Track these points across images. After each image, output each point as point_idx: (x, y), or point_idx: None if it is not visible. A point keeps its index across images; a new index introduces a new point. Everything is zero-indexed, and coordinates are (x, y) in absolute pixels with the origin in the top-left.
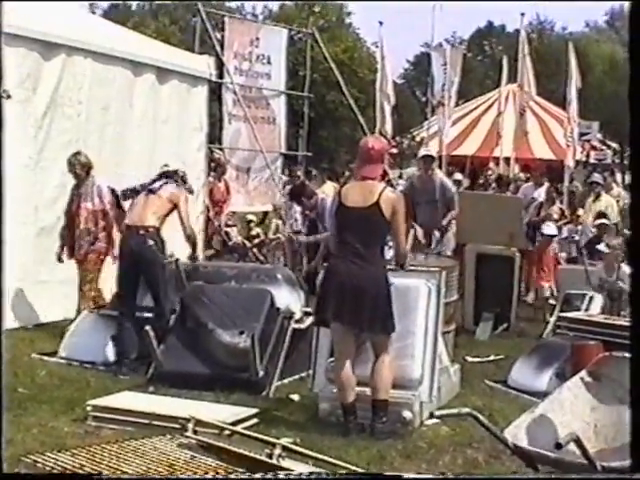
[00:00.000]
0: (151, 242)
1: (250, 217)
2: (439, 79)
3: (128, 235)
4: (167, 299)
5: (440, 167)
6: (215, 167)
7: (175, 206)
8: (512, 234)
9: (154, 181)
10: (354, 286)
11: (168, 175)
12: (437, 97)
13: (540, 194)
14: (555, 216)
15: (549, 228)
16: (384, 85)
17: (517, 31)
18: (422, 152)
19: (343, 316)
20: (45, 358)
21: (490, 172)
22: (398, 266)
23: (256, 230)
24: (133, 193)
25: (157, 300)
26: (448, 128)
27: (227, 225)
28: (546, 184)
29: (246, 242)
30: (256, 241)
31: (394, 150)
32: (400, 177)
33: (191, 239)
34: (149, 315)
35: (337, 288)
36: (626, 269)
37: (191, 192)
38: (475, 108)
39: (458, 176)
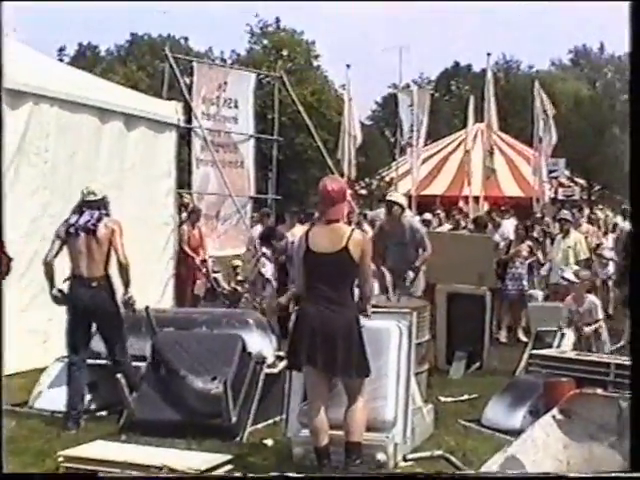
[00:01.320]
0: (104, 294)
1: (236, 262)
2: (407, 120)
3: (78, 286)
4: (125, 348)
5: (410, 207)
6: (189, 213)
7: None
8: (482, 273)
9: (88, 215)
10: (326, 330)
11: (97, 206)
12: (405, 138)
13: (505, 232)
14: (524, 253)
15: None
16: (350, 127)
17: (484, 71)
18: (387, 197)
19: (316, 360)
20: (16, 409)
21: (458, 211)
22: (362, 310)
23: (244, 275)
24: (68, 235)
25: (113, 350)
26: (418, 169)
27: (213, 271)
28: (513, 221)
29: (238, 288)
30: (247, 286)
31: (363, 191)
32: (365, 217)
33: (124, 270)
34: (105, 363)
35: (309, 332)
36: (593, 298)
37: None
38: (443, 148)
39: (427, 216)
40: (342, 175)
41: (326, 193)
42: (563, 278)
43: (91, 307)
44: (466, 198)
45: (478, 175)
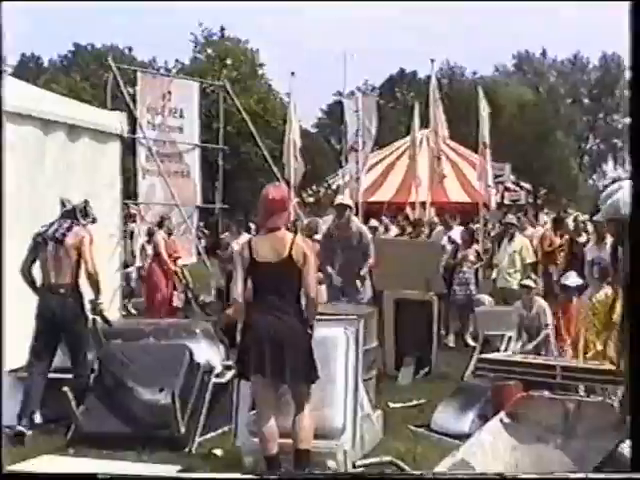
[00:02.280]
0: (71, 302)
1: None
2: (353, 125)
3: (45, 294)
4: (86, 359)
5: (357, 214)
6: (160, 222)
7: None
8: (428, 279)
9: (58, 224)
10: (273, 338)
11: (69, 215)
12: (350, 142)
13: (454, 237)
14: (472, 258)
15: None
16: (292, 133)
17: (428, 77)
18: (337, 200)
19: (264, 369)
20: None
21: (404, 217)
22: (308, 317)
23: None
24: (37, 244)
25: (76, 361)
26: (364, 174)
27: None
28: (457, 227)
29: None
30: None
31: (310, 199)
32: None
33: (92, 280)
34: (67, 376)
35: (256, 341)
36: (541, 302)
37: (94, 221)
38: (389, 154)
39: (374, 222)
40: (288, 184)
41: (267, 201)
42: (523, 286)
43: (58, 315)
44: (413, 204)
45: (425, 181)
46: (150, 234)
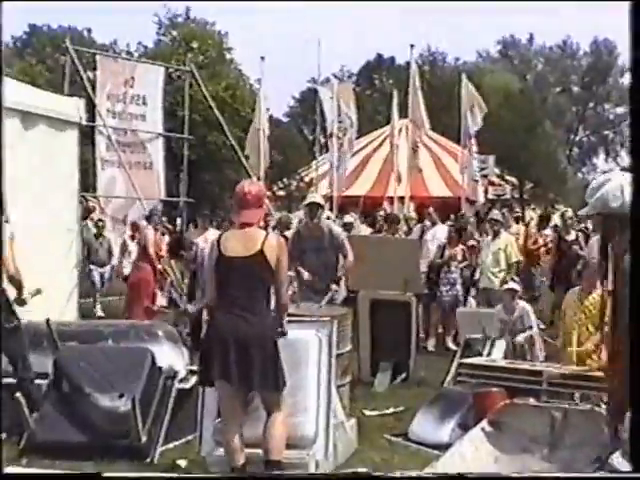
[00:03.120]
0: None
1: None
2: (330, 112)
3: None
4: (28, 364)
5: (331, 209)
6: (148, 216)
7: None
8: (407, 279)
9: None
10: (240, 341)
11: None
12: (329, 129)
13: (436, 234)
14: (459, 257)
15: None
16: (261, 122)
17: (408, 63)
18: (308, 199)
19: (230, 374)
20: None
21: (382, 212)
22: (278, 318)
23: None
24: None
25: (16, 367)
26: (346, 163)
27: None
28: (441, 225)
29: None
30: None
31: (281, 192)
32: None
33: (14, 280)
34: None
35: (221, 344)
36: (524, 305)
37: (6, 221)
38: (366, 145)
39: (349, 218)
40: (258, 178)
41: (242, 196)
42: (509, 290)
43: None
44: (391, 199)
45: (404, 174)
46: (135, 228)
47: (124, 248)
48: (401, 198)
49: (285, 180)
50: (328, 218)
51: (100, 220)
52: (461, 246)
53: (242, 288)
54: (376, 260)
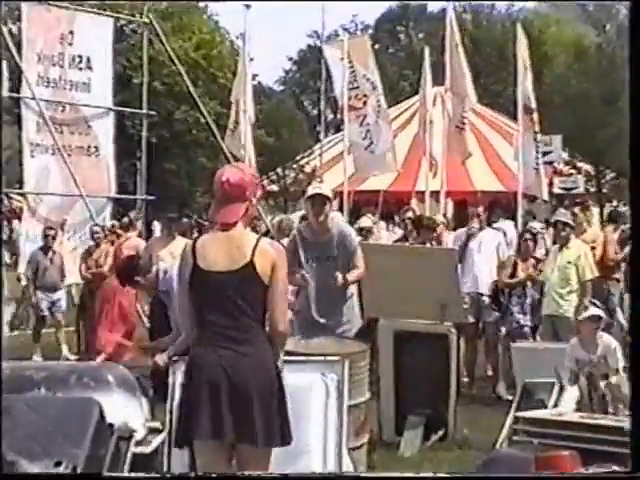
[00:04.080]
0: None
1: None
2: (340, 78)
3: None
4: None
5: (341, 209)
6: (130, 222)
7: None
8: (444, 303)
9: None
10: (233, 382)
11: None
12: (341, 101)
13: (483, 241)
14: (531, 272)
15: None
16: (244, 92)
17: (443, 11)
18: (311, 190)
19: (222, 429)
20: None
21: (410, 214)
22: (274, 350)
23: None
24: None
25: None
26: (383, 136)
27: None
28: (490, 229)
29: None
30: None
31: (274, 186)
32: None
33: None
34: None
35: (208, 389)
36: (610, 340)
37: None
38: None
39: (366, 222)
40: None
41: (220, 186)
42: (591, 318)
43: None
44: (422, 195)
45: (440, 161)
46: (99, 235)
47: (84, 263)
48: (435, 193)
49: (279, 171)
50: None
51: (49, 228)
52: (532, 260)
53: (228, 313)
54: (402, 278)
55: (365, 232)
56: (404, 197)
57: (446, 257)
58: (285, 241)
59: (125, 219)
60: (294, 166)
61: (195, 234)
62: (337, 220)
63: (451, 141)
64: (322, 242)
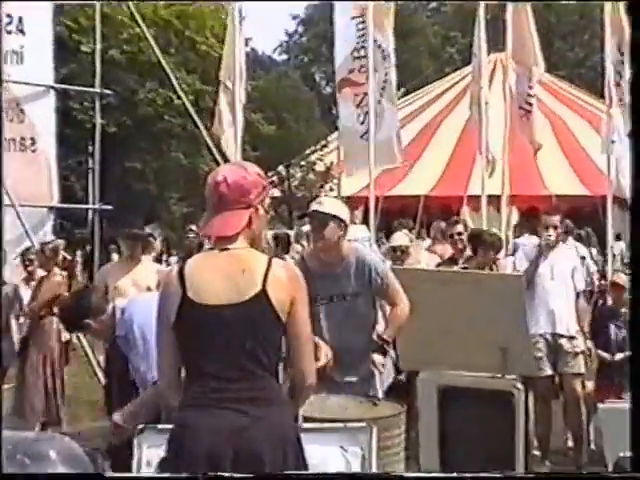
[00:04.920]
0: None
1: None
2: (343, 43)
3: None
4: None
5: (366, 221)
6: (118, 244)
7: None
8: (506, 347)
9: None
10: (242, 457)
11: None
12: (342, 73)
13: (553, 265)
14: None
15: None
16: (232, 67)
17: None
18: (314, 206)
19: None
20: None
21: (460, 227)
22: (295, 410)
23: None
24: None
25: None
26: (391, 123)
27: None
28: (567, 245)
29: None
30: None
31: (275, 191)
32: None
33: None
34: None
35: (206, 466)
36: None
37: None
38: (422, 107)
39: (401, 238)
40: (225, 160)
41: (215, 189)
42: None
43: None
44: (476, 201)
45: (498, 156)
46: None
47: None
48: (494, 199)
49: (281, 170)
50: (354, 240)
51: None
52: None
53: (235, 361)
54: (449, 314)
55: (399, 253)
56: (452, 204)
57: (510, 285)
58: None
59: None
60: (302, 163)
61: (175, 257)
62: (355, 244)
63: (515, 128)
64: (334, 275)
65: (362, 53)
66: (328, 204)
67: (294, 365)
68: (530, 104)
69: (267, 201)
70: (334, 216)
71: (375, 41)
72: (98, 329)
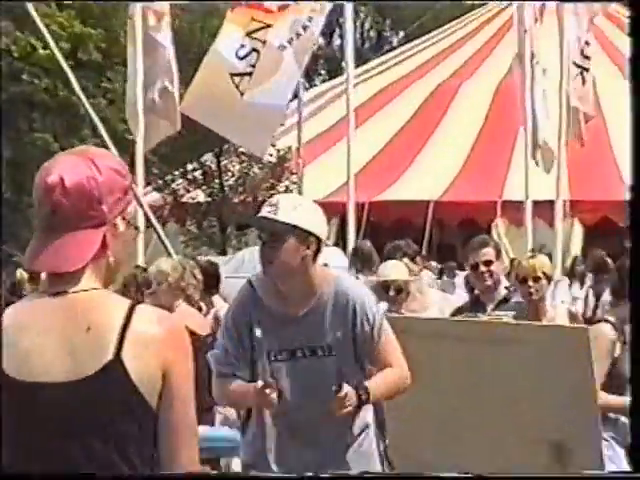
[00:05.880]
0: None
1: None
2: None
3: None
4: None
5: (344, 240)
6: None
7: None
8: (561, 442)
9: None
10: None
11: None
12: None
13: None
14: None
15: None
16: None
17: None
18: (264, 210)
19: None
20: None
21: (490, 247)
22: None
23: None
24: None
25: None
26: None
27: None
28: None
29: None
30: None
31: (199, 193)
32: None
33: None
34: None
35: None
36: None
37: None
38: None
39: (396, 269)
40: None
41: (46, 197)
42: None
43: None
44: (515, 208)
45: (552, 143)
46: None
47: None
48: (545, 205)
49: (208, 160)
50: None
51: None
52: None
53: (73, 467)
54: (471, 389)
55: (393, 293)
56: (477, 215)
57: (571, 345)
58: (213, 311)
59: None
60: (241, 149)
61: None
62: (333, 273)
63: (573, 98)
64: (299, 317)
65: None
66: (287, 207)
67: (166, 463)
68: (587, 57)
69: (130, 209)
70: (295, 227)
71: None
72: None
